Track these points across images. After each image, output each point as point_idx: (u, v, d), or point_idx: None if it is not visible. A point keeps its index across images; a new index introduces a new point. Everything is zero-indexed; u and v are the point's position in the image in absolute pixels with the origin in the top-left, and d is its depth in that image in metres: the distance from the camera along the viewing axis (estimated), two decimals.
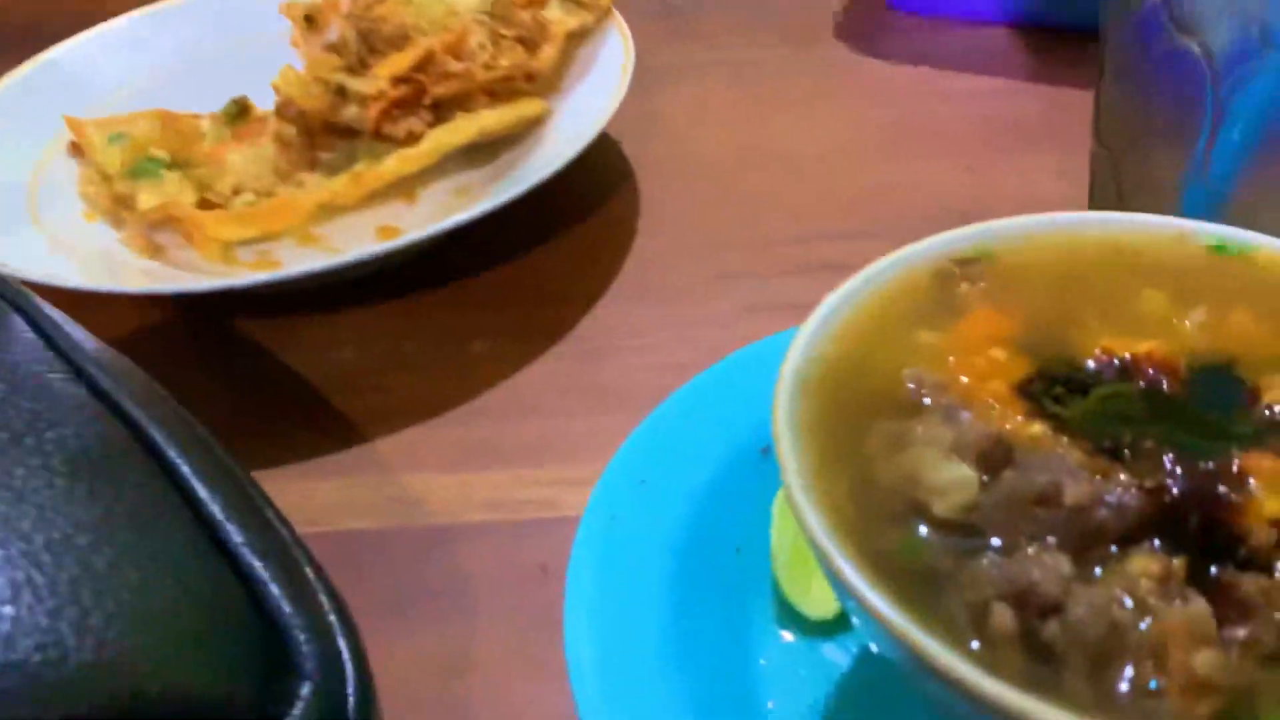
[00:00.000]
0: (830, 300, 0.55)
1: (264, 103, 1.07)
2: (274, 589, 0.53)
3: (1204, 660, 0.40)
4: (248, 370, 0.90)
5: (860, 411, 0.51)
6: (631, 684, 0.54)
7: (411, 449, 0.81)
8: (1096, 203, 0.80)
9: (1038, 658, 0.42)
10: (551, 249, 0.97)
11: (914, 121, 1.12)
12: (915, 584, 0.45)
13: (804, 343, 0.54)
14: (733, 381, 0.70)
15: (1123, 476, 0.43)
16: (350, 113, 1.02)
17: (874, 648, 0.48)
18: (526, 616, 0.68)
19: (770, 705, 0.57)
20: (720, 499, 0.64)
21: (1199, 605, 0.41)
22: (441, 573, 0.71)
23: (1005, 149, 1.06)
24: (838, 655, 0.60)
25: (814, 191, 1.04)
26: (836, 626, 0.60)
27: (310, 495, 0.78)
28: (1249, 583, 0.41)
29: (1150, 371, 0.48)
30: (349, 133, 1.03)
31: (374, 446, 0.81)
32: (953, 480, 0.45)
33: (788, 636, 0.60)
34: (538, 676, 0.64)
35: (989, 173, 1.03)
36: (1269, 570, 0.42)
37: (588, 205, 1.02)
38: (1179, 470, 0.43)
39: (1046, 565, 0.42)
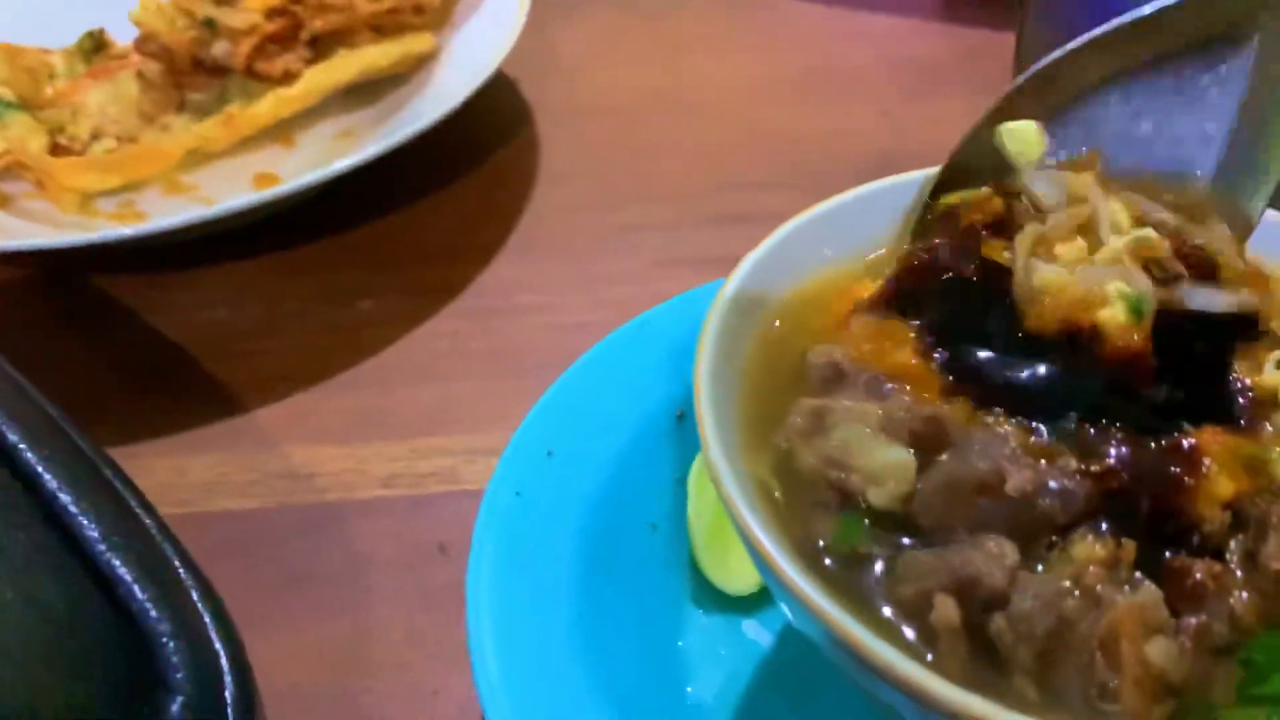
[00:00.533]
0: (750, 261, 0.51)
1: (123, 37, 0.98)
2: (138, 591, 0.47)
3: (1157, 650, 0.37)
4: (108, 335, 0.82)
5: (785, 383, 0.48)
6: (537, 672, 0.50)
7: (296, 419, 0.74)
8: None
9: (982, 652, 0.39)
10: (444, 198, 0.91)
11: (828, 63, 1.08)
12: (848, 573, 0.41)
13: (723, 307, 0.49)
14: (643, 343, 0.65)
15: (1069, 462, 0.40)
16: (219, 49, 0.93)
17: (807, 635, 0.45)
18: (426, 600, 0.63)
19: (689, 689, 0.54)
20: (633, 470, 0.60)
21: (1150, 592, 0.38)
22: (333, 555, 0.66)
23: (921, 93, 1.03)
24: (760, 633, 0.56)
25: (725, 137, 0.99)
26: (757, 602, 0.57)
27: (183, 473, 0.71)
28: (1201, 568, 0.39)
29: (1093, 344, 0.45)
30: (219, 71, 0.94)
31: (254, 417, 0.75)
32: (888, 465, 0.41)
33: (707, 615, 0.57)
34: (439, 665, 0.59)
35: (905, 118, 0.99)
36: (1221, 555, 0.39)
37: (482, 151, 0.96)
38: (1127, 452, 0.40)
39: (991, 554, 0.39)
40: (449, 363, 0.78)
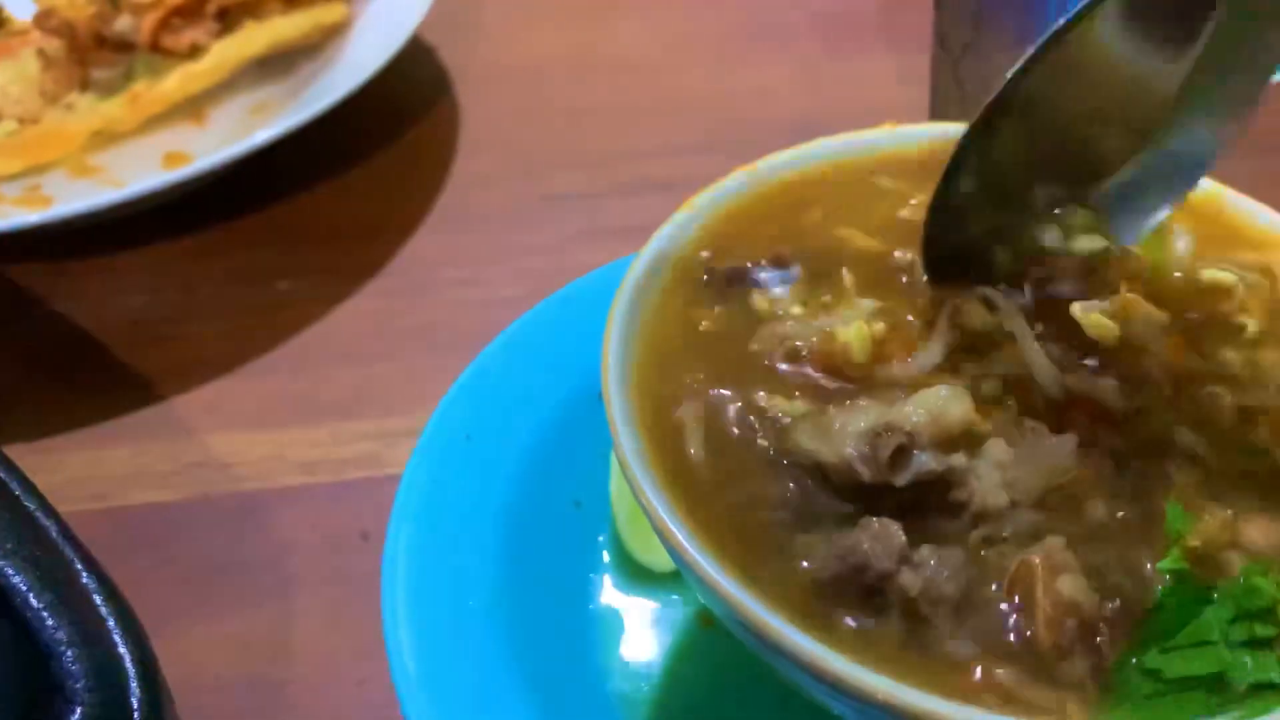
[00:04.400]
0: (659, 239, 0.50)
1: (22, 13, 0.94)
2: (33, 599, 0.45)
3: (1065, 585, 0.37)
4: (15, 325, 0.79)
5: (694, 357, 0.47)
6: (454, 658, 0.49)
7: (214, 406, 0.72)
8: (939, 109, 0.77)
9: (910, 621, 0.39)
10: (362, 173, 0.88)
11: (752, 21, 1.07)
12: (750, 550, 0.41)
13: (634, 281, 0.48)
14: (564, 319, 0.64)
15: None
16: (123, 23, 0.90)
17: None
18: (349, 588, 0.62)
19: (611, 665, 0.53)
20: (556, 449, 0.59)
21: (1051, 542, 0.39)
22: (253, 546, 0.64)
23: (845, 52, 1.01)
24: (681, 608, 0.56)
25: (649, 101, 0.97)
26: (680, 578, 0.56)
27: (98, 466, 0.69)
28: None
29: None
30: (124, 47, 0.91)
31: (171, 405, 0.73)
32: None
33: (630, 591, 0.56)
34: (362, 656, 0.58)
35: (828, 77, 0.98)
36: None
37: (401, 121, 0.93)
38: None
39: (877, 535, 0.38)
40: (369, 343, 0.76)
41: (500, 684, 0.49)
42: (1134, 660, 0.37)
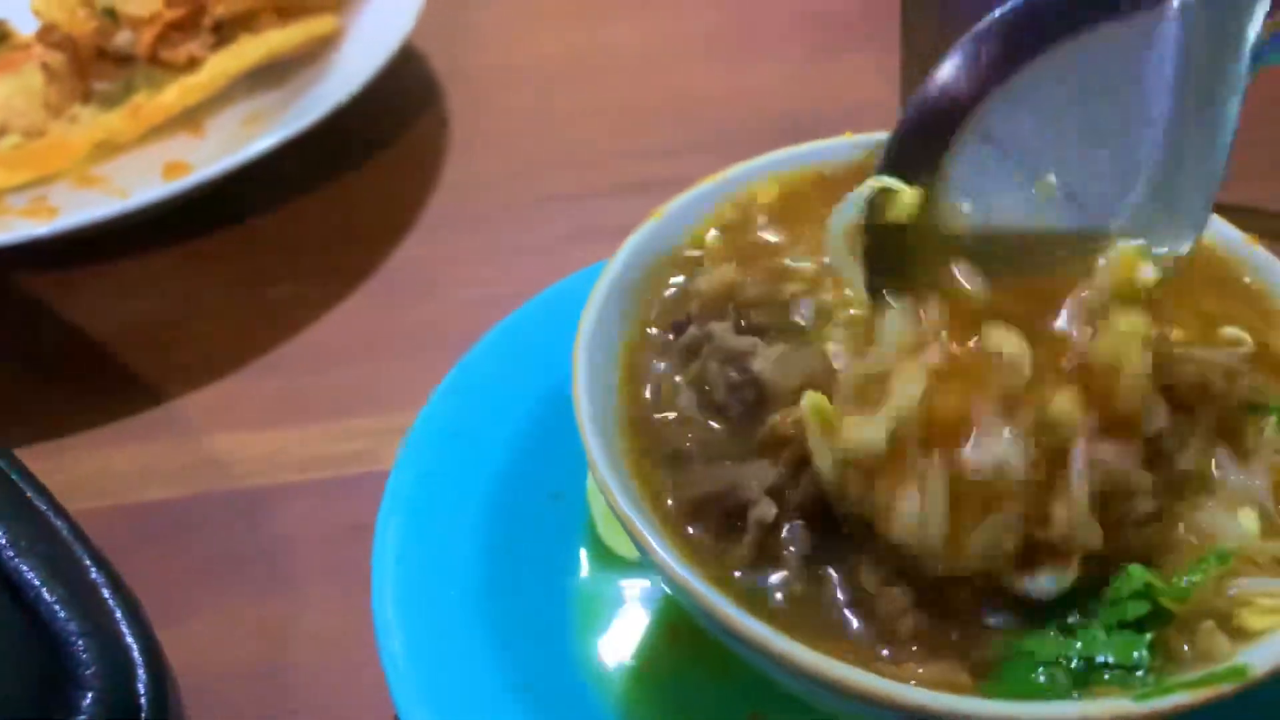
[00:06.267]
0: (630, 244, 0.53)
1: (25, 28, 0.97)
2: (45, 594, 0.49)
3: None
4: (24, 331, 0.82)
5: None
6: (440, 643, 0.52)
7: (216, 407, 0.76)
8: None
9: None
10: (357, 178, 0.91)
11: (739, 21, 1.09)
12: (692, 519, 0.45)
13: (604, 289, 0.51)
14: (549, 317, 0.66)
15: None
16: (122, 38, 0.93)
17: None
18: (348, 579, 0.64)
19: (589, 651, 0.56)
20: (538, 443, 0.62)
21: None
22: (254, 541, 0.68)
23: (829, 48, 1.04)
24: (656, 596, 0.58)
25: (640, 101, 1.00)
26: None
27: (106, 466, 0.72)
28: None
29: None
30: (124, 60, 0.94)
31: (174, 407, 0.76)
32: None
33: (607, 580, 0.59)
34: (362, 641, 0.60)
35: (814, 76, 1.01)
36: None
37: (395, 128, 0.96)
38: None
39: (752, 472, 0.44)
40: (366, 344, 0.79)
41: (483, 667, 0.52)
42: (1012, 640, 0.40)
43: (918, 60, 0.75)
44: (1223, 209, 0.52)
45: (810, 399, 0.43)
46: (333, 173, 0.91)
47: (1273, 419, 0.45)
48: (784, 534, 0.44)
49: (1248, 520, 0.42)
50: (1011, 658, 0.40)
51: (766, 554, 0.44)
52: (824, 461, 0.42)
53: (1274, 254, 0.54)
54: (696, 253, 0.54)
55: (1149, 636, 0.39)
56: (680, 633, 0.57)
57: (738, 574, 0.44)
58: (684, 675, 0.55)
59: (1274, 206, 0.81)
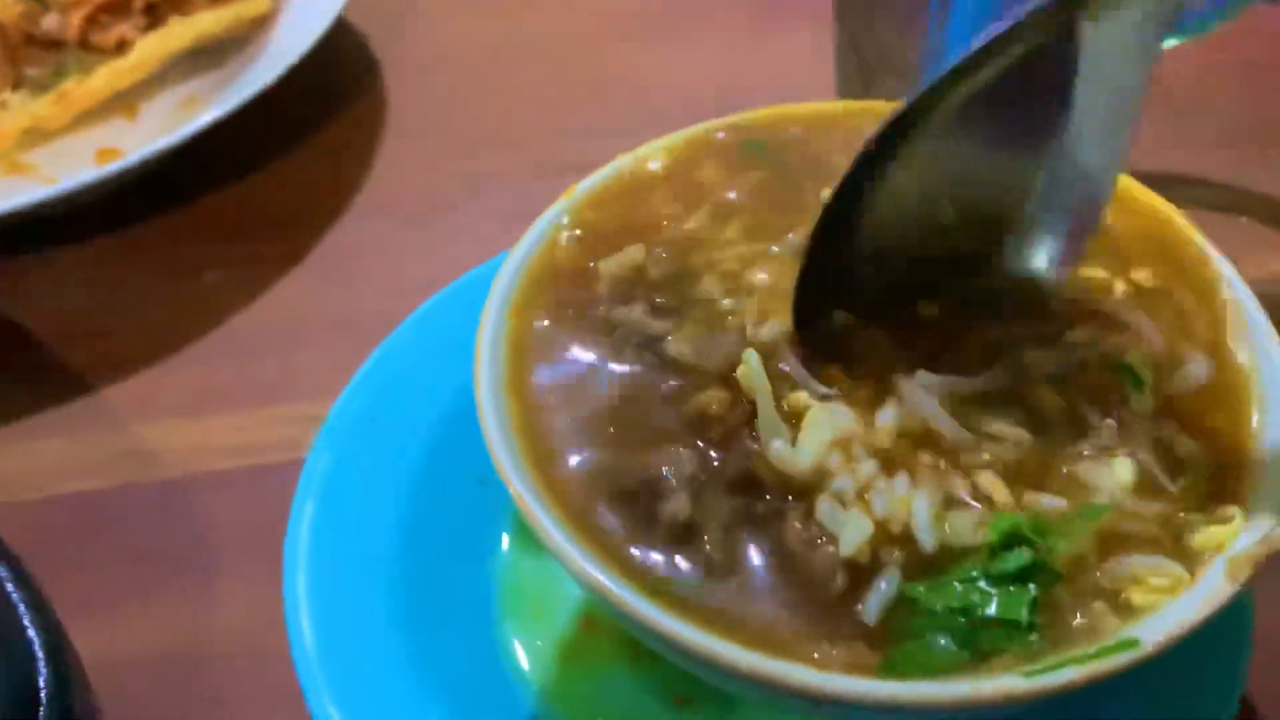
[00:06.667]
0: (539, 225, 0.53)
1: None
2: None
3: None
4: None
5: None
6: (354, 637, 0.51)
7: (144, 396, 0.75)
8: (843, 86, 0.79)
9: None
10: (289, 163, 0.90)
11: (675, 1, 1.08)
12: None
13: (510, 270, 0.51)
14: (470, 302, 0.65)
15: None
16: (51, 21, 0.91)
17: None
18: (270, 569, 0.63)
19: (513, 641, 0.55)
20: (460, 429, 0.61)
21: None
22: (180, 531, 0.67)
23: (762, 27, 1.03)
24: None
25: (574, 82, 0.99)
26: None
27: (34, 457, 0.71)
28: None
29: None
30: (54, 44, 0.93)
31: (103, 397, 0.75)
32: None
33: (533, 567, 0.58)
34: (281, 634, 0.60)
35: (747, 56, 1.00)
36: None
37: (329, 111, 0.95)
38: None
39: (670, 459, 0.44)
40: (294, 331, 0.78)
41: (396, 658, 0.51)
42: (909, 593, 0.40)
43: (850, 40, 0.75)
44: (1168, 179, 0.52)
45: (749, 356, 0.44)
46: (267, 158, 0.90)
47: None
48: (702, 518, 0.44)
49: (1123, 469, 0.42)
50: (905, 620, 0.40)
51: (682, 541, 0.43)
52: (768, 410, 0.43)
53: (1221, 225, 0.54)
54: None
55: (1033, 593, 0.39)
56: (601, 620, 0.56)
57: (649, 562, 0.43)
58: (608, 662, 0.55)
59: (1219, 177, 0.81)
